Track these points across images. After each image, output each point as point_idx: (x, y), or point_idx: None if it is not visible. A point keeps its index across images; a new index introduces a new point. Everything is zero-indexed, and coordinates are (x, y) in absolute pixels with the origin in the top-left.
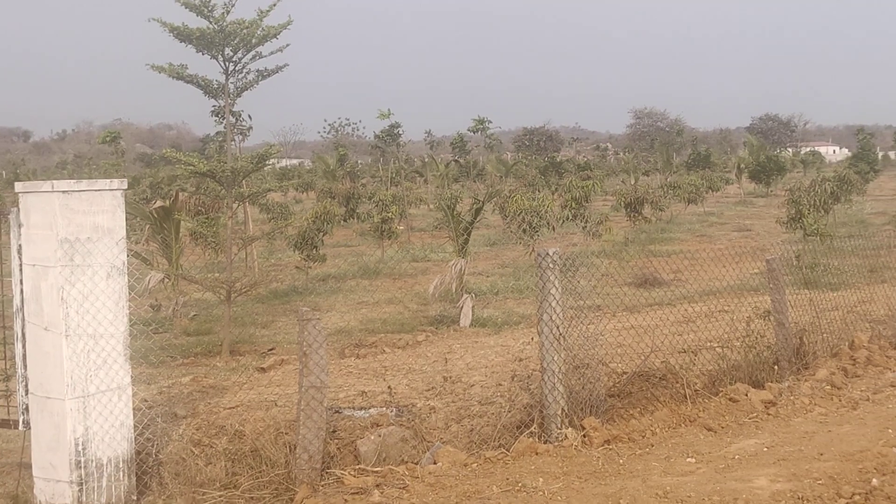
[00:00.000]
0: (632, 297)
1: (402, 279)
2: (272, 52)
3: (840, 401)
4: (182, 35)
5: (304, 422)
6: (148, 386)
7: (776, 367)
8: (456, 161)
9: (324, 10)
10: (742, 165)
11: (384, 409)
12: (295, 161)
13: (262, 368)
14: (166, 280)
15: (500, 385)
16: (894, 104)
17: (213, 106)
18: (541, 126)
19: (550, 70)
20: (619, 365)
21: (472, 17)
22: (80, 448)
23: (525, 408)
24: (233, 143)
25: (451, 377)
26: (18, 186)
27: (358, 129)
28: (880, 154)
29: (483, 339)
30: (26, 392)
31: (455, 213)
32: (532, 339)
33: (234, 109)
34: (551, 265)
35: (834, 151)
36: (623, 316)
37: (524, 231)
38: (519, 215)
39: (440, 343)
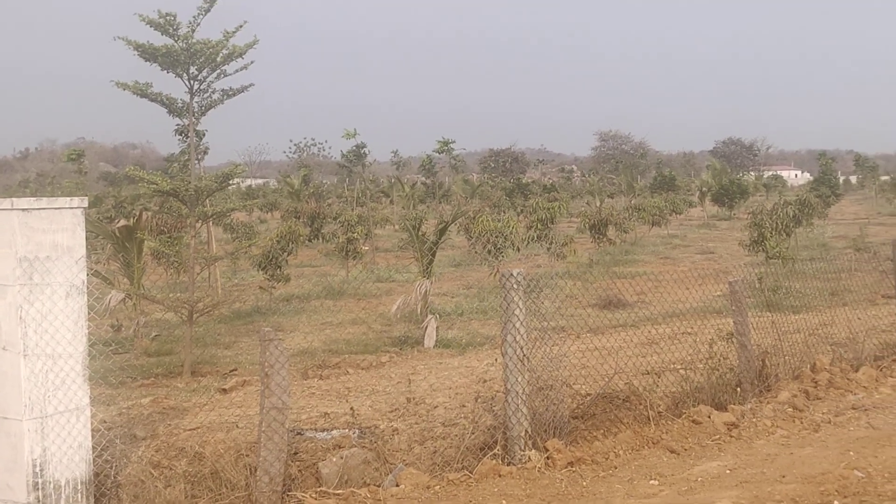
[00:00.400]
0: (596, 319)
1: (367, 300)
2: (237, 71)
3: (802, 423)
4: (147, 53)
5: (265, 444)
6: (107, 407)
7: (739, 389)
8: (423, 183)
9: (290, 30)
10: (705, 188)
11: (346, 430)
12: (260, 181)
13: (224, 389)
14: (127, 300)
15: (464, 406)
16: (855, 130)
17: (177, 125)
18: (507, 148)
19: (516, 92)
20: (583, 386)
21: (437, 40)
22: (37, 469)
23: (488, 429)
24: (196, 162)
25: (414, 398)
26: None
27: (324, 149)
28: (841, 179)
29: (447, 360)
30: None
31: (420, 233)
32: (496, 360)
33: (198, 129)
34: (515, 286)
35: (796, 176)
36: (587, 337)
37: (489, 252)
38: (484, 236)
39: (404, 364)
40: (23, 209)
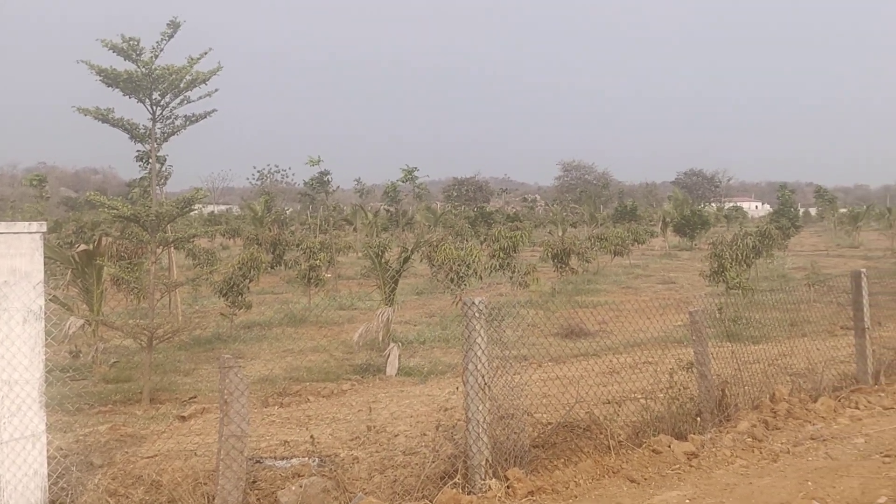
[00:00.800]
0: (558, 348)
1: (329, 327)
2: (201, 98)
3: (761, 453)
4: (109, 78)
5: (223, 472)
6: (64, 434)
7: (699, 418)
8: (386, 210)
9: (255, 57)
10: (667, 219)
11: (306, 459)
12: (223, 207)
13: (183, 417)
14: (86, 326)
15: (425, 435)
16: (815, 162)
17: (139, 150)
18: (470, 177)
19: (481, 122)
20: (544, 415)
21: (402, 69)
22: None
23: (449, 458)
24: (158, 188)
25: (375, 427)
26: None
27: (287, 176)
28: (801, 210)
29: (409, 388)
30: None
31: (383, 261)
32: (457, 388)
33: (159, 154)
34: (477, 314)
35: (756, 207)
36: (549, 366)
37: (452, 280)
38: (447, 265)
39: (365, 392)
40: None
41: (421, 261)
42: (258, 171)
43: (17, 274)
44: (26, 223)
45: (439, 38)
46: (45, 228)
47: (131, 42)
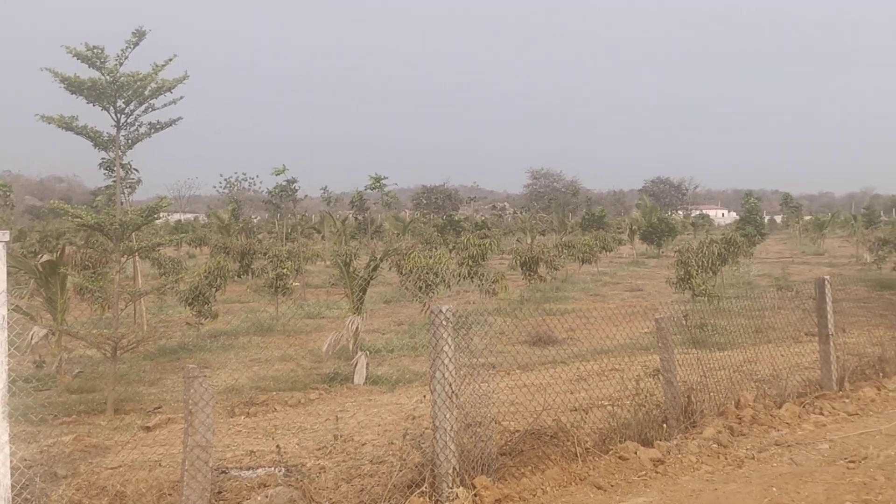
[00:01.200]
0: (526, 356)
1: (296, 336)
2: (166, 105)
3: (726, 459)
4: (73, 86)
5: (188, 482)
6: (28, 445)
7: (665, 425)
8: (355, 217)
9: (222, 63)
10: (635, 227)
11: (272, 468)
12: (189, 215)
13: (148, 427)
14: (50, 336)
15: (393, 444)
16: (780, 170)
17: (103, 158)
18: (439, 184)
19: (449, 129)
20: (512, 423)
21: (370, 77)
22: None
23: (417, 467)
24: (122, 195)
25: (342, 436)
26: None
27: (254, 184)
28: (766, 218)
29: (377, 396)
30: None
31: (351, 269)
32: (425, 396)
33: (123, 162)
34: (445, 322)
35: (723, 215)
36: (517, 374)
37: (420, 289)
38: (415, 273)
39: (333, 401)
40: None
41: (390, 269)
42: (225, 179)
43: None
44: None
45: (408, 46)
46: (7, 237)
47: (95, 50)
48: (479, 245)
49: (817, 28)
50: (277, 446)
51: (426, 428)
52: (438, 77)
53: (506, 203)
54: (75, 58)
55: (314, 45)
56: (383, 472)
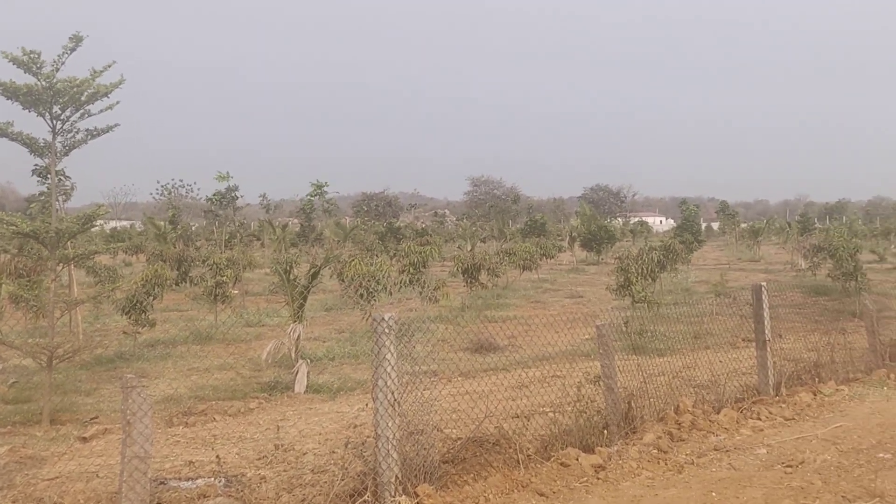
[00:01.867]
0: (468, 363)
1: (236, 344)
2: (102, 111)
3: (666, 465)
4: (9, 91)
5: (126, 494)
6: None
7: (606, 431)
8: (301, 224)
9: (160, 70)
10: (574, 234)
11: (212, 479)
12: (126, 223)
13: (84, 438)
14: None
15: (334, 452)
16: (716, 178)
17: (37, 165)
18: (380, 192)
19: (390, 137)
20: (454, 430)
21: (310, 84)
22: None
23: (359, 476)
24: (57, 203)
25: (283, 445)
26: None
27: (192, 191)
28: (703, 225)
29: (318, 405)
30: None
31: (291, 277)
32: (367, 405)
33: (58, 168)
34: (387, 330)
35: (661, 222)
36: (459, 381)
37: (361, 296)
38: (356, 280)
39: (273, 410)
40: None
41: (331, 276)
42: (162, 186)
43: None
44: None
45: (347, 54)
46: None
47: (32, 55)
48: (421, 252)
49: (749, 39)
50: (217, 456)
51: (368, 436)
52: (379, 84)
53: (446, 210)
54: (11, 63)
55: (253, 51)
56: (325, 482)
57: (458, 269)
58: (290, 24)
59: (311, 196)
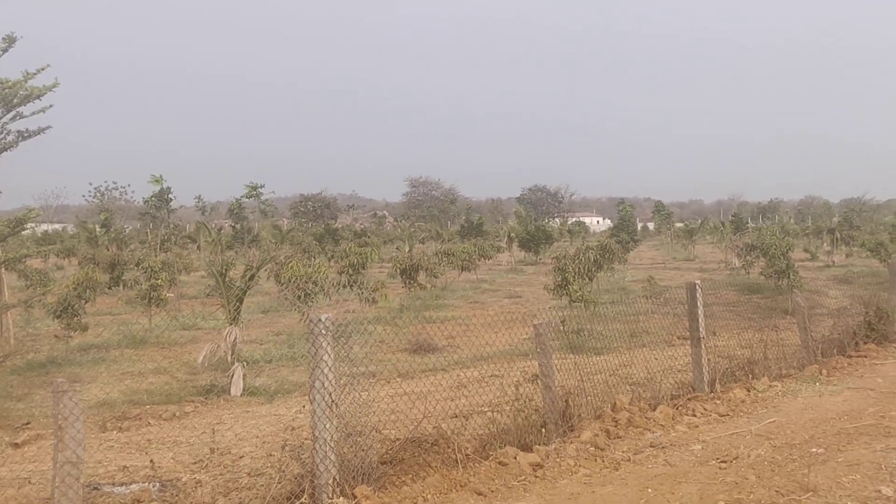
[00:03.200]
0: (406, 364)
1: (171, 348)
2: (34, 113)
3: (603, 462)
4: None
5: (58, 499)
6: None
7: (544, 429)
8: (232, 227)
9: (89, 67)
10: (512, 234)
11: (147, 484)
12: (57, 226)
13: (16, 444)
14: None
15: (271, 455)
16: (651, 179)
17: None
18: (317, 193)
19: (327, 138)
20: (393, 431)
21: (246, 84)
22: None
23: (296, 478)
24: None
25: (218, 449)
26: None
27: (126, 194)
28: (640, 225)
29: (255, 408)
30: None
31: (227, 279)
32: (304, 407)
33: None
34: (324, 332)
35: (598, 222)
36: (397, 382)
37: (299, 298)
38: (294, 282)
39: (209, 414)
40: None
41: (268, 279)
42: (95, 188)
43: None
44: None
45: (283, 53)
46: None
47: None
48: (359, 253)
49: (688, 43)
50: (151, 461)
51: (306, 439)
52: (315, 85)
53: (385, 211)
54: None
55: (188, 48)
56: (262, 485)
57: (396, 271)
58: (230, 23)
59: (247, 197)
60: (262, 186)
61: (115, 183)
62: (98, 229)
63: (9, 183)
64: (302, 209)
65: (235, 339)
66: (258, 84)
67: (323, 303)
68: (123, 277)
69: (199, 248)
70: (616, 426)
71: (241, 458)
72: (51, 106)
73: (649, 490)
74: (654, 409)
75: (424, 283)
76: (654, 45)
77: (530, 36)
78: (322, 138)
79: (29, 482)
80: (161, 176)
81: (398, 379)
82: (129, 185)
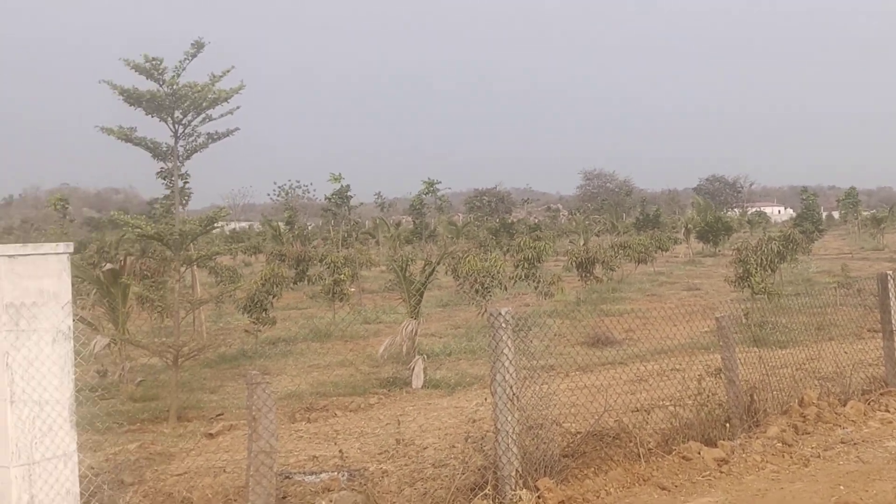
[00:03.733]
0: (585, 357)
1: (354, 341)
2: (222, 115)
3: (791, 458)
4: (132, 98)
5: (253, 488)
6: (94, 453)
7: (728, 424)
8: (413, 222)
9: (276, 71)
10: (690, 226)
11: (336, 473)
12: (244, 224)
13: (211, 434)
14: (112, 345)
15: (454, 447)
16: (837, 165)
17: (161, 168)
18: (492, 187)
19: (502, 132)
20: (573, 425)
21: (420, 81)
22: None
23: (479, 470)
24: (180, 206)
25: (403, 440)
26: None
27: (308, 192)
28: (824, 214)
29: (436, 400)
30: None
31: (407, 274)
32: (485, 399)
33: (182, 172)
34: (504, 325)
35: (779, 212)
36: (576, 375)
37: (476, 292)
38: (471, 276)
39: (392, 405)
40: (9, 255)
41: (446, 273)
42: (279, 187)
43: (45, 295)
44: (53, 244)
45: (460, 53)
46: (71, 249)
47: (154, 62)
48: (534, 247)
49: (871, 22)
50: (340, 451)
51: (487, 431)
52: (491, 82)
53: (559, 205)
54: (134, 70)
55: (367, 53)
56: (446, 476)
57: (572, 264)
58: (404, 27)
59: (424, 194)
60: (438, 182)
61: (297, 181)
62: (282, 227)
63: (198, 183)
64: (477, 204)
65: (414, 331)
66: (436, 82)
67: (500, 296)
68: (308, 273)
69: (377, 243)
70: (804, 422)
71: (424, 449)
72: (238, 107)
73: (841, 487)
74: (845, 405)
75: (600, 276)
76: (836, 22)
77: (696, 23)
78: (497, 133)
79: (224, 471)
80: (340, 174)
81: (577, 372)
82: (311, 184)
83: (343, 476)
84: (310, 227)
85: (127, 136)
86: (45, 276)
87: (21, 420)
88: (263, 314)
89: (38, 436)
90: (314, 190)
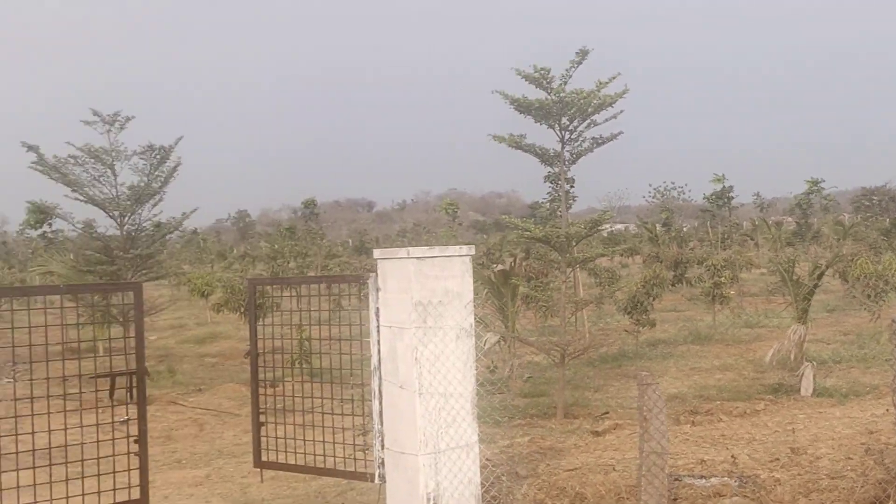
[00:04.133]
0: None
1: (735, 345)
2: (607, 120)
3: None
4: (522, 107)
5: (645, 488)
6: (488, 445)
7: None
8: (797, 223)
9: (654, 73)
10: None
11: (726, 478)
12: (620, 226)
13: (597, 432)
14: (502, 342)
15: (850, 458)
16: None
17: (549, 172)
18: (881, 185)
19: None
20: None
21: (799, 73)
22: (431, 502)
23: (879, 483)
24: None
25: (796, 448)
26: (377, 253)
27: (683, 193)
28: None
29: (827, 409)
30: (382, 447)
31: (793, 277)
32: (887, 410)
33: (567, 176)
34: None
35: None
36: None
37: (868, 297)
38: (863, 280)
39: (780, 412)
40: (418, 258)
41: (834, 276)
42: (654, 189)
43: (449, 294)
44: (457, 247)
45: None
46: (473, 252)
47: (542, 71)
48: None
49: None
50: (732, 456)
51: (887, 443)
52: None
53: None
54: (523, 79)
55: (743, 42)
56: (843, 488)
57: None
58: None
59: (808, 193)
60: (822, 181)
61: (673, 183)
62: (659, 228)
63: (579, 188)
64: (865, 203)
65: (803, 338)
66: (808, 70)
67: (894, 302)
68: (686, 275)
69: (756, 245)
70: None
71: (818, 458)
72: (622, 111)
73: None
74: None
75: None
76: None
77: None
78: (891, 120)
79: (613, 469)
80: (723, 175)
81: None
82: (685, 185)
83: (734, 482)
84: (685, 229)
85: (517, 143)
86: (449, 276)
87: (428, 411)
88: (644, 315)
89: (443, 426)
90: (689, 191)
